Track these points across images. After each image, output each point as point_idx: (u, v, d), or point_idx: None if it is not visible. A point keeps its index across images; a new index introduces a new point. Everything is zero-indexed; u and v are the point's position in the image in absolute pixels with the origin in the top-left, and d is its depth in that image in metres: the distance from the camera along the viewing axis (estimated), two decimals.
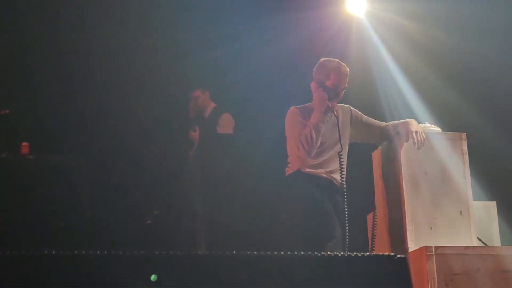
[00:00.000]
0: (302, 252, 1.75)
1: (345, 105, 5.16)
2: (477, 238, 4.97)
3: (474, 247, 4.61)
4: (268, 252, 1.81)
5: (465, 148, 5.01)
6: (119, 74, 7.35)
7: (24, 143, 6.39)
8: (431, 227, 4.82)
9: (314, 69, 5.03)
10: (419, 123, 5.19)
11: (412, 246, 4.69)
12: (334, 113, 4.96)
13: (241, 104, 7.24)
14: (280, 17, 7.07)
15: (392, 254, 1.81)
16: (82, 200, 6.25)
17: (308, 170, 4.91)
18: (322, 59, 5.05)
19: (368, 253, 1.75)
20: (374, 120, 5.21)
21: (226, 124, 6.88)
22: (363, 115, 5.19)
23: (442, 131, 5.16)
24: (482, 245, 5.05)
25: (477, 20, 6.71)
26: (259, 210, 5.66)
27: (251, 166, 5.77)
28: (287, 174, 5.01)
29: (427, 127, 5.13)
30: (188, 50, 7.44)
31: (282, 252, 1.76)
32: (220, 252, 1.98)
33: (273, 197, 5.64)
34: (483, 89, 7.02)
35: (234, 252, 1.99)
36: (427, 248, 4.42)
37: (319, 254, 1.76)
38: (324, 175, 4.91)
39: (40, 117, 7.04)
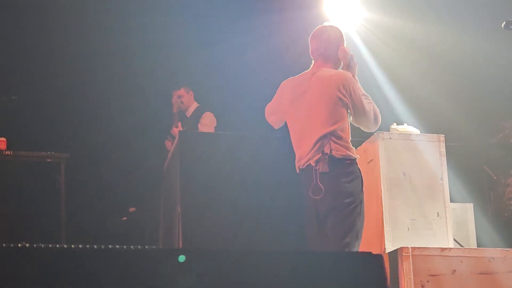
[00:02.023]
0: (281, 250, 1.75)
1: None
2: (454, 239, 5.01)
3: (450, 248, 4.64)
4: (246, 249, 1.81)
5: (443, 150, 5.04)
6: (102, 73, 7.32)
7: (1, 139, 6.33)
8: (408, 228, 4.84)
9: (327, 34, 4.42)
10: (398, 124, 5.23)
11: (389, 246, 4.72)
12: None
13: (225, 104, 7.23)
14: (262, 19, 7.08)
15: (368, 252, 1.82)
16: (60, 196, 6.21)
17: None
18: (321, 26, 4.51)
19: (345, 251, 1.76)
20: None
21: (208, 123, 6.86)
22: None
23: (420, 132, 5.19)
24: (459, 246, 5.09)
25: (460, 21, 6.76)
26: (242, 209, 5.64)
27: (232, 164, 5.76)
28: (345, 156, 4.20)
29: (406, 128, 5.16)
30: (173, 52, 7.42)
31: (262, 250, 1.76)
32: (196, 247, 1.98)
33: (255, 197, 5.63)
34: (462, 91, 7.07)
35: (210, 248, 1.99)
36: (404, 249, 4.44)
37: (298, 251, 1.77)
38: None
39: (18, 112, 6.99)
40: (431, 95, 6.96)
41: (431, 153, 5.01)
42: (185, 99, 7.06)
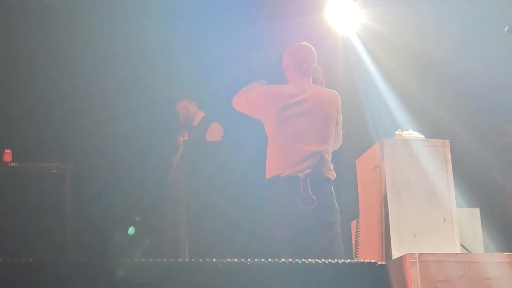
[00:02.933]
0: (283, 260, 1.74)
1: None
2: (461, 245, 4.98)
3: (457, 254, 4.61)
4: (248, 260, 1.80)
5: (449, 155, 5.02)
6: (105, 81, 7.31)
7: (7, 150, 6.34)
8: (414, 234, 4.82)
9: (310, 53, 4.55)
10: (402, 130, 5.21)
11: (396, 253, 4.70)
12: None
13: (227, 111, 7.23)
14: (264, 25, 7.08)
15: (373, 261, 1.81)
16: (65, 207, 6.21)
17: None
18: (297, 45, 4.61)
19: (349, 260, 1.75)
20: None
21: (215, 133, 6.88)
22: None
23: (425, 138, 5.17)
24: (466, 252, 5.06)
25: (459, 29, 6.75)
26: (243, 218, 5.63)
27: (236, 173, 5.75)
28: (332, 175, 4.37)
29: (411, 134, 5.14)
30: (174, 58, 7.42)
31: (263, 260, 1.75)
32: (202, 259, 1.97)
33: (256, 205, 5.61)
34: (466, 97, 7.05)
35: (215, 259, 1.98)
36: (410, 255, 4.42)
37: (300, 261, 1.76)
38: None
39: (23, 124, 7.00)
40: (436, 100, 6.95)
41: (437, 158, 5.00)
42: (190, 109, 7.09)
